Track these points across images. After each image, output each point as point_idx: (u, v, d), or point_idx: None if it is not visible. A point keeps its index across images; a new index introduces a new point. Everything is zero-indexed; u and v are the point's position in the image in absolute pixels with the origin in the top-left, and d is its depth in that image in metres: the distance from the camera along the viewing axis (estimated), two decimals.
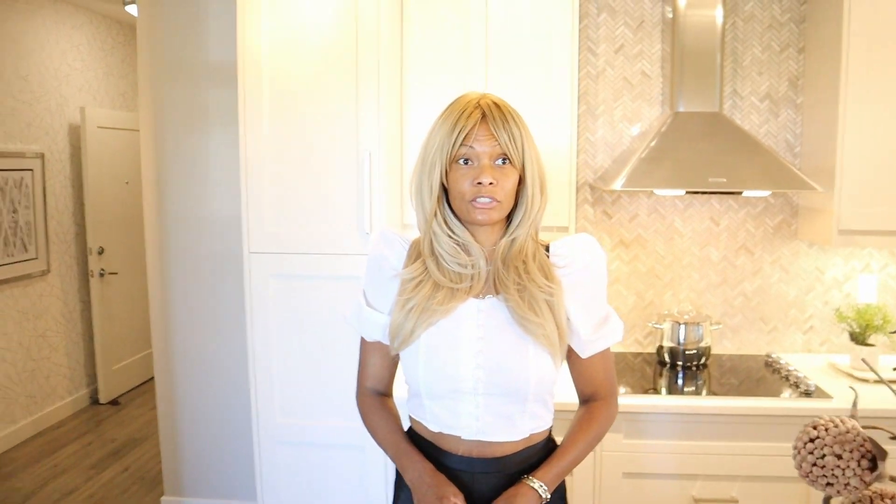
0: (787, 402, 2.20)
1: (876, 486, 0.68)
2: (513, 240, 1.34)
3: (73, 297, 4.68)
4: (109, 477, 3.65)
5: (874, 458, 0.63)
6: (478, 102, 1.29)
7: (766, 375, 2.48)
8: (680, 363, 2.55)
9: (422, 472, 1.33)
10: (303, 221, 2.30)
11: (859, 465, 0.63)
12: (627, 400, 2.22)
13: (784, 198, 2.69)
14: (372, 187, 2.23)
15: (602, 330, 1.38)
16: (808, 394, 2.24)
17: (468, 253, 1.33)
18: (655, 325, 2.60)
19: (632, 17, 2.69)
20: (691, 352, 2.54)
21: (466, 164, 1.29)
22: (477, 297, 1.34)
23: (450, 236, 1.32)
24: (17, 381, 4.15)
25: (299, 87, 2.25)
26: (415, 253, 1.38)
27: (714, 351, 2.72)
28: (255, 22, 2.23)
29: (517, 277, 1.32)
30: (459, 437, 1.34)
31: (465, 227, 1.34)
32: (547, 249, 1.39)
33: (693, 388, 2.39)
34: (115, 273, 4.85)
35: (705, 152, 2.38)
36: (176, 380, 3.13)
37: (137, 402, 4.77)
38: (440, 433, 1.36)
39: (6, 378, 4.07)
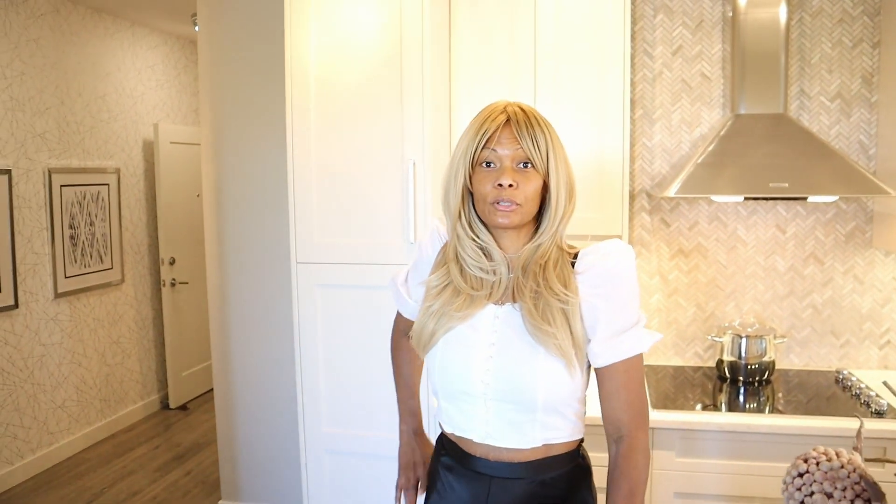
0: (854, 422, 2.04)
1: None
2: (537, 246, 1.33)
3: (145, 306, 4.87)
4: (173, 480, 3.76)
5: (870, 499, 0.55)
6: (504, 108, 1.31)
7: (836, 393, 2.32)
8: (741, 378, 2.41)
9: (410, 436, 1.62)
10: (348, 231, 2.30)
11: None
12: (681, 416, 2.11)
13: (857, 203, 2.52)
14: (416, 197, 2.21)
15: (619, 338, 1.29)
16: (879, 414, 2.08)
17: (490, 258, 1.34)
18: (715, 339, 2.47)
19: (690, 17, 2.58)
20: (753, 367, 2.40)
21: (489, 167, 1.30)
22: (496, 303, 1.34)
23: (473, 239, 1.34)
24: (92, 386, 4.34)
25: (346, 98, 2.26)
26: (441, 258, 1.42)
27: (780, 366, 2.56)
28: (302, 35, 2.26)
29: (535, 285, 1.30)
30: (472, 440, 1.36)
31: (490, 231, 1.34)
32: (576, 257, 1.35)
33: (755, 405, 2.25)
34: (186, 283, 5.02)
35: (767, 156, 2.25)
36: (233, 389, 3.19)
37: (205, 408, 4.90)
38: (454, 434, 1.40)
39: (82, 382, 4.26)
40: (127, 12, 4.52)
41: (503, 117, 1.28)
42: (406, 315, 1.56)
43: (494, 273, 1.34)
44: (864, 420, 2.05)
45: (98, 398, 4.38)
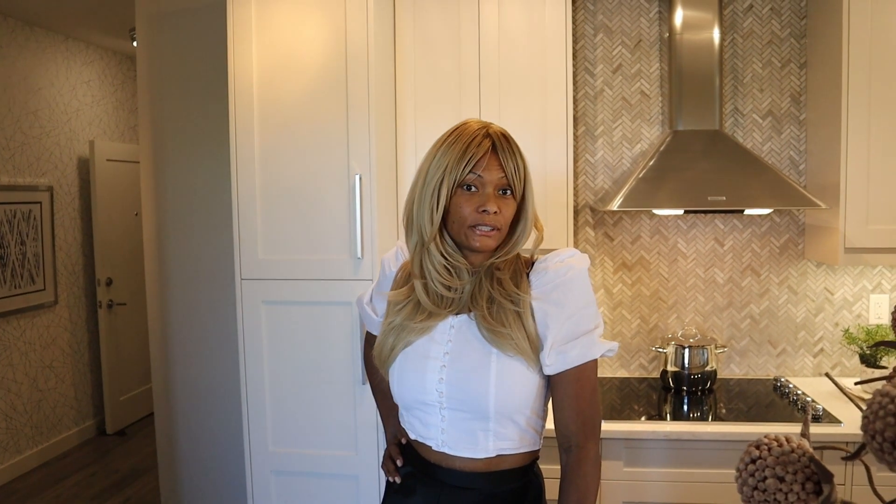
0: (792, 428, 2.11)
1: None
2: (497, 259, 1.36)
3: (80, 328, 4.69)
4: None
5: (820, 480, 0.57)
6: (487, 131, 1.31)
7: (774, 400, 2.39)
8: (685, 388, 2.47)
9: (390, 441, 1.58)
10: (294, 247, 2.27)
11: (804, 489, 0.57)
12: (628, 426, 2.14)
13: (790, 216, 2.62)
14: (362, 211, 2.20)
15: (569, 345, 1.30)
16: (815, 419, 2.15)
17: (459, 277, 1.35)
18: (659, 350, 2.52)
19: (629, 36, 2.66)
20: (696, 376, 2.45)
21: (470, 190, 1.30)
22: (454, 314, 1.36)
23: (444, 256, 1.33)
24: (22, 412, 4.14)
25: (290, 113, 2.24)
26: (402, 276, 1.43)
27: (721, 375, 2.63)
28: (245, 50, 2.23)
29: (490, 289, 1.32)
30: (430, 447, 1.38)
31: (459, 249, 1.36)
32: (532, 266, 1.39)
33: (698, 414, 2.31)
34: (123, 304, 4.86)
35: (704, 171, 2.33)
36: (175, 411, 3.09)
37: (144, 433, 4.73)
38: (416, 441, 1.42)
39: (11, 409, 4.06)
40: (61, 26, 4.39)
41: (488, 142, 1.29)
42: (376, 333, 1.54)
43: (460, 290, 1.35)
44: (799, 426, 2.12)
45: (29, 425, 4.19)
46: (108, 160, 4.78)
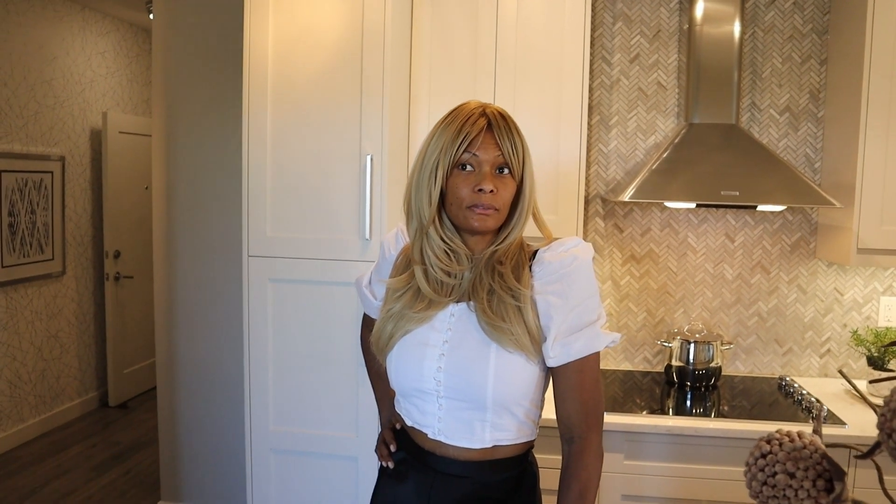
0: (795, 427, 2.09)
1: None
2: (500, 246, 1.33)
3: (87, 300, 4.71)
4: (110, 479, 3.64)
5: (832, 478, 0.56)
6: (483, 110, 1.29)
7: (778, 399, 2.38)
8: (689, 383, 2.45)
9: (384, 425, 1.57)
10: (303, 225, 2.26)
11: (814, 486, 0.56)
12: (630, 419, 2.13)
13: (802, 214, 2.59)
14: (372, 192, 2.19)
15: (573, 337, 1.28)
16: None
17: (458, 262, 1.33)
18: (664, 344, 2.51)
19: (648, 26, 2.62)
20: (701, 372, 2.44)
21: (466, 170, 1.28)
22: (454, 302, 1.33)
23: (444, 240, 1.32)
24: (26, 381, 4.17)
25: (304, 91, 2.22)
26: (402, 261, 1.40)
27: (726, 372, 2.62)
28: (261, 26, 2.21)
29: (491, 282, 1.30)
30: (426, 435, 1.37)
31: (459, 233, 1.33)
32: (535, 255, 1.35)
33: (701, 410, 2.29)
34: (130, 277, 4.88)
35: (719, 165, 2.30)
36: (178, 386, 3.10)
37: (147, 406, 4.76)
38: (412, 427, 1.40)
39: (16, 377, 4.09)
40: None
41: (484, 121, 1.27)
42: (374, 316, 1.53)
43: (460, 276, 1.33)
44: (805, 426, 2.11)
45: (32, 394, 4.21)
46: (120, 132, 4.78)
